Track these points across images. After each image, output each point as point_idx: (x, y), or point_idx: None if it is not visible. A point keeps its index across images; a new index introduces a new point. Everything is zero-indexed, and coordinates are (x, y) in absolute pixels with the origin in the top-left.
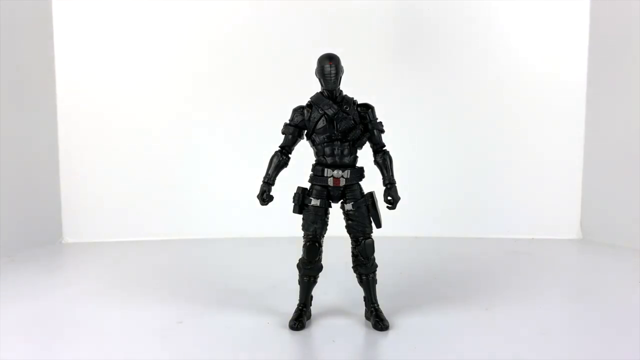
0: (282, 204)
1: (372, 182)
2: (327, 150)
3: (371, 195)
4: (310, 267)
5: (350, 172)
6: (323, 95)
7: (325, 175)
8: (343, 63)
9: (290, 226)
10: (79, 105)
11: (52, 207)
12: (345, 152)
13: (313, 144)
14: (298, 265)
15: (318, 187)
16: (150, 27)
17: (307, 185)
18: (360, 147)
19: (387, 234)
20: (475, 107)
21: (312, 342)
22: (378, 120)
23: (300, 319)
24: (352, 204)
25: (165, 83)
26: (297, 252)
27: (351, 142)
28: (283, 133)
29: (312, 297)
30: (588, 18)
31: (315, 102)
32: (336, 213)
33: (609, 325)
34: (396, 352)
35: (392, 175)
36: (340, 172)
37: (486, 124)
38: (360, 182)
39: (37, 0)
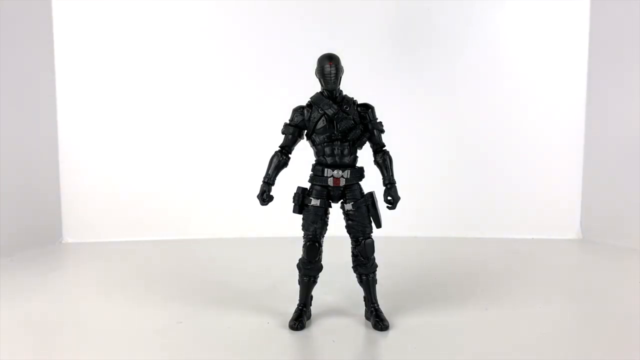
0: (282, 204)
1: (372, 182)
2: (327, 150)
3: (371, 195)
4: (310, 267)
5: (350, 172)
6: (323, 95)
7: (325, 175)
8: (343, 63)
9: (290, 226)
10: (79, 105)
11: (52, 207)
12: (345, 152)
13: (313, 144)
14: (298, 265)
15: (318, 187)
16: (150, 27)
17: (307, 185)
18: (360, 147)
19: (387, 234)
20: (475, 107)
21: (312, 342)
22: (378, 120)
23: (300, 319)
24: (352, 204)
25: (165, 83)
26: (297, 252)
27: (351, 142)
28: (283, 133)
29: (312, 297)
30: (588, 18)
31: (315, 102)
32: (336, 213)
33: (609, 325)
34: (396, 352)
35: (392, 175)
36: (340, 172)
37: (486, 124)
38: (360, 182)
39: (37, 0)
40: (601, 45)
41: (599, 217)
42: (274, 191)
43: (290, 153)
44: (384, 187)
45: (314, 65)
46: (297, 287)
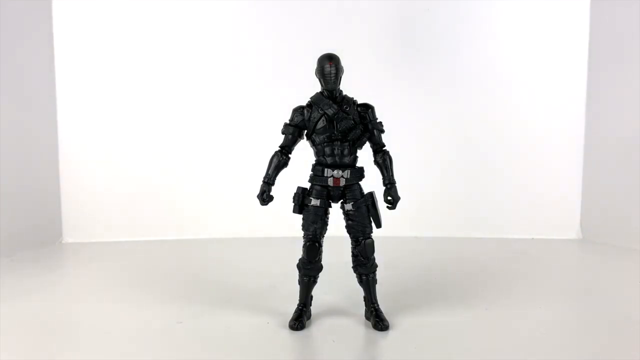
0: (282, 204)
1: (372, 182)
2: (327, 150)
3: (371, 195)
4: (310, 267)
5: (350, 172)
6: (323, 95)
7: (325, 175)
8: (343, 63)
9: (290, 226)
10: (79, 105)
11: (52, 207)
12: (345, 152)
13: (313, 144)
14: (298, 265)
15: (318, 187)
16: (150, 27)
17: (307, 185)
18: (360, 147)
19: (387, 234)
20: (475, 107)
21: (312, 342)
22: (378, 120)
23: (300, 319)
24: (352, 204)
25: (165, 83)
26: (297, 252)
27: (351, 142)
28: (283, 133)
29: (312, 297)
30: (588, 19)
31: (315, 102)
32: (336, 213)
33: (609, 325)
34: (396, 352)
35: (392, 175)
36: (340, 172)
37: (486, 123)
38: (360, 182)
39: (37, 0)
40: (601, 45)
41: (599, 217)
42: (274, 191)
43: (290, 153)
44: (384, 187)
45: (314, 65)
46: (297, 287)
